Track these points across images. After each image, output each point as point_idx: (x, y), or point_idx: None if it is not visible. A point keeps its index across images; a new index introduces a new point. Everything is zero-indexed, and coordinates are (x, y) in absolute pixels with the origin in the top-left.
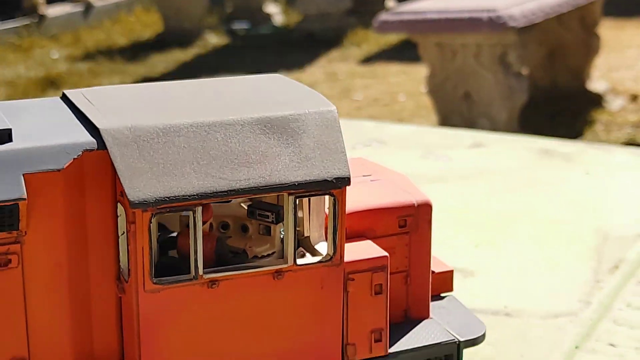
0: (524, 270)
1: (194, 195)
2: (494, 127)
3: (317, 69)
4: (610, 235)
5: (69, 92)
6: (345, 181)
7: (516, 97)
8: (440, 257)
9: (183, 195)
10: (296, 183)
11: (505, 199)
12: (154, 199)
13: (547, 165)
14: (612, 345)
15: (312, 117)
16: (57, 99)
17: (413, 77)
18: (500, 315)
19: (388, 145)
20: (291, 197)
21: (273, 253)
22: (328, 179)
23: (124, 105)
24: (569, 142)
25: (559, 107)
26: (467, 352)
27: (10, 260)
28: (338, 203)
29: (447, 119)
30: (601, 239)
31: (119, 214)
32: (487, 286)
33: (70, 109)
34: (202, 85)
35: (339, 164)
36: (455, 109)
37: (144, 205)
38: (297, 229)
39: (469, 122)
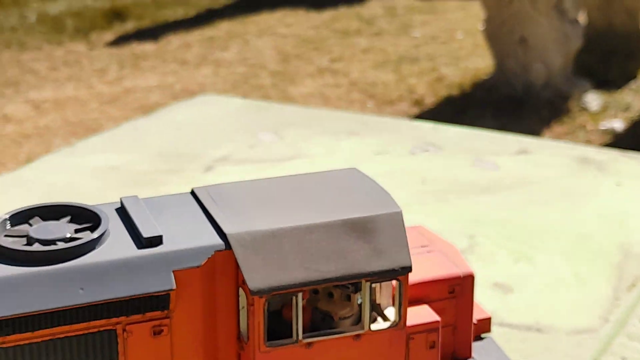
0: (554, 286)
1: (296, 284)
2: (549, 72)
3: (376, 3)
4: (631, 252)
5: (197, 190)
6: (408, 269)
7: (571, 43)
8: (481, 303)
9: (288, 285)
10: (371, 272)
11: (542, 211)
12: (268, 288)
13: (583, 175)
14: (624, 358)
15: (383, 219)
16: (188, 195)
17: (472, 13)
18: (532, 330)
19: (443, 150)
20: (367, 283)
21: (352, 316)
22: (395, 268)
23: (241, 208)
24: (604, 150)
25: (613, 47)
26: None
27: (162, 330)
28: (403, 285)
29: (502, 63)
30: (623, 255)
31: (239, 295)
32: (523, 302)
33: (199, 205)
34: (294, 183)
35: (403, 256)
36: (511, 53)
37: (260, 293)
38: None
39: (524, 67)
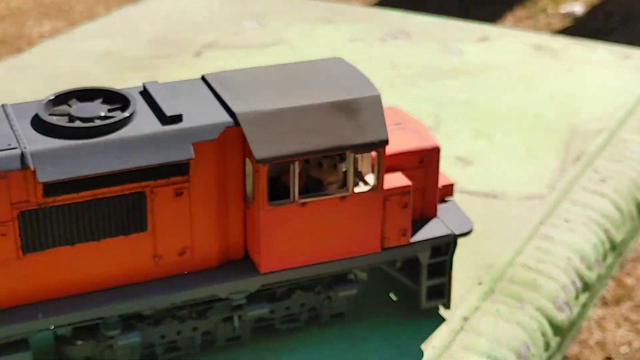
0: (509, 160)
1: (293, 154)
2: None
3: None
4: (577, 129)
5: (207, 76)
6: (385, 142)
7: None
8: (445, 171)
9: (287, 154)
10: (355, 145)
11: (500, 94)
12: (270, 157)
13: (538, 61)
14: (566, 221)
15: (365, 100)
16: (199, 81)
17: None
18: (489, 197)
19: (412, 37)
20: (351, 154)
21: (338, 181)
22: (375, 142)
23: (245, 92)
24: (559, 37)
25: None
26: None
27: (182, 192)
28: (381, 156)
29: None
30: (570, 133)
31: (246, 164)
32: (481, 173)
33: (209, 90)
34: (289, 70)
35: (381, 132)
36: None
37: (264, 161)
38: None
39: None
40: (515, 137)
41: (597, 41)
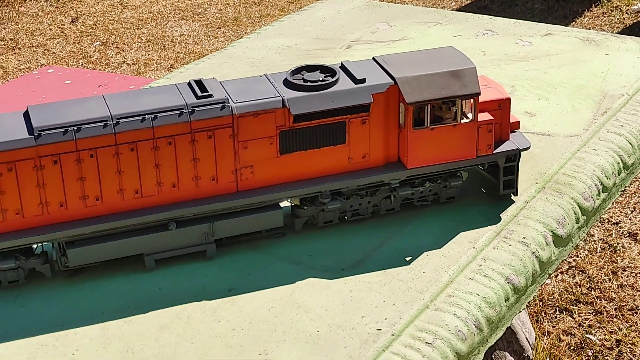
0: (560, 113)
1: (426, 100)
2: None
3: None
4: (607, 94)
5: (376, 57)
6: (478, 94)
7: None
8: (515, 113)
9: (423, 100)
10: (461, 95)
11: (557, 71)
12: (414, 102)
13: (585, 49)
14: (594, 149)
15: (468, 70)
16: (371, 60)
17: None
18: (545, 135)
19: (496, 33)
20: (459, 101)
21: (452, 117)
22: (473, 93)
23: (399, 64)
24: (602, 33)
25: None
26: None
27: (365, 121)
28: (476, 102)
29: None
30: (602, 96)
31: (400, 106)
32: (541, 121)
33: (378, 65)
34: (422, 54)
35: (476, 88)
36: None
37: (410, 104)
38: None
39: None
40: (564, 99)
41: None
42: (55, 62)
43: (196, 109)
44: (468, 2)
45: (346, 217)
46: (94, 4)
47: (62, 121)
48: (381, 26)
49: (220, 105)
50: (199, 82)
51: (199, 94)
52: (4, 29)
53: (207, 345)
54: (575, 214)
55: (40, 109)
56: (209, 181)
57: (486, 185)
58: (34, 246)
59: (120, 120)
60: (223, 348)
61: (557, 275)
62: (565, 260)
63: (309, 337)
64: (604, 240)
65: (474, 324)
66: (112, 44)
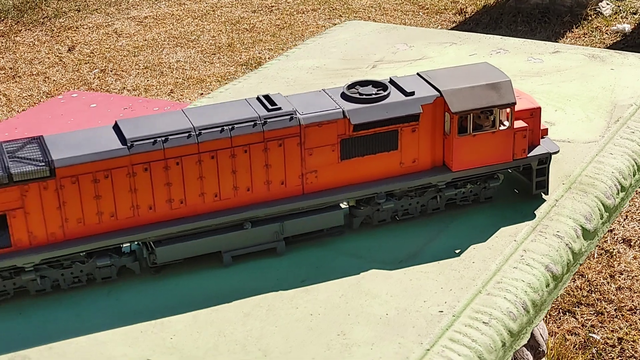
0: (576, 122)
1: (469, 110)
2: None
3: None
4: (617, 104)
5: (421, 73)
6: (514, 104)
7: None
8: (544, 122)
9: (466, 110)
10: (499, 104)
11: (569, 85)
12: (458, 111)
13: (592, 64)
14: (611, 154)
15: (504, 82)
16: (416, 76)
17: None
18: (565, 142)
19: (509, 52)
20: (497, 110)
21: (490, 125)
22: (509, 103)
23: (442, 79)
24: (606, 50)
25: None
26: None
27: (415, 130)
28: (512, 111)
29: None
30: (613, 106)
31: (445, 115)
32: (560, 129)
33: (423, 80)
34: (460, 69)
35: (512, 98)
36: None
37: (456, 113)
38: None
39: None
40: (578, 110)
41: (635, 52)
42: (56, 90)
43: (268, 120)
44: (454, 25)
45: (397, 217)
46: (89, 33)
47: (151, 133)
48: (401, 47)
49: (288, 116)
50: (267, 97)
51: (269, 107)
52: (3, 58)
53: (290, 328)
54: (600, 210)
55: (129, 123)
56: (278, 185)
57: (519, 187)
58: (123, 246)
59: (202, 132)
60: (304, 330)
61: None
62: None
63: (380, 320)
64: (600, 246)
65: (522, 306)
66: (111, 71)
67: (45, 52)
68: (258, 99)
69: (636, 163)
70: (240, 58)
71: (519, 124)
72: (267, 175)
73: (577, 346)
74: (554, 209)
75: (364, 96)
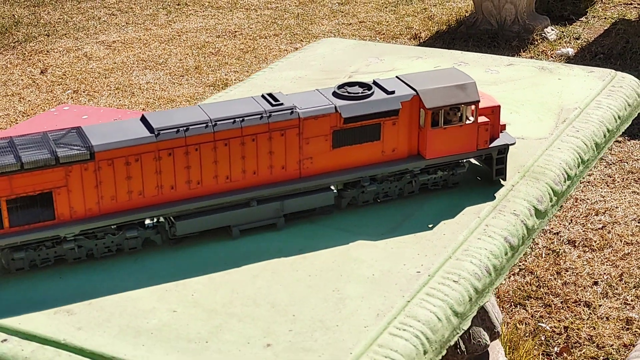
0: (528, 123)
1: (440, 106)
2: (517, 11)
3: None
4: (564, 108)
5: (400, 76)
6: (478, 102)
7: None
8: (503, 117)
9: (438, 106)
10: (465, 102)
11: (521, 92)
12: (431, 107)
13: (542, 75)
14: (559, 148)
15: (470, 84)
16: (395, 79)
17: None
18: (520, 139)
19: (469, 64)
20: (464, 107)
21: (457, 120)
22: (474, 101)
23: (417, 80)
24: (554, 63)
25: None
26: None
27: (395, 123)
28: (476, 107)
29: (480, 4)
30: (560, 109)
31: (420, 111)
32: (515, 128)
33: (400, 81)
34: (430, 74)
35: (476, 97)
36: None
37: (430, 109)
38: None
39: (497, 7)
40: (530, 112)
41: (578, 65)
42: (32, 110)
43: (272, 114)
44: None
45: (378, 199)
46: (59, 57)
47: (174, 123)
48: (373, 60)
49: (289, 111)
50: (271, 95)
51: (273, 103)
52: None
53: (292, 286)
54: (549, 194)
55: (155, 115)
56: (280, 169)
57: (481, 174)
58: (147, 220)
59: (217, 123)
60: (304, 287)
61: (510, 276)
62: (516, 264)
63: (367, 279)
64: (547, 247)
65: (485, 269)
66: (84, 92)
67: (18, 74)
68: (263, 96)
69: (580, 157)
70: (207, 79)
71: (482, 119)
72: (271, 160)
73: (527, 334)
74: (511, 193)
75: (352, 94)
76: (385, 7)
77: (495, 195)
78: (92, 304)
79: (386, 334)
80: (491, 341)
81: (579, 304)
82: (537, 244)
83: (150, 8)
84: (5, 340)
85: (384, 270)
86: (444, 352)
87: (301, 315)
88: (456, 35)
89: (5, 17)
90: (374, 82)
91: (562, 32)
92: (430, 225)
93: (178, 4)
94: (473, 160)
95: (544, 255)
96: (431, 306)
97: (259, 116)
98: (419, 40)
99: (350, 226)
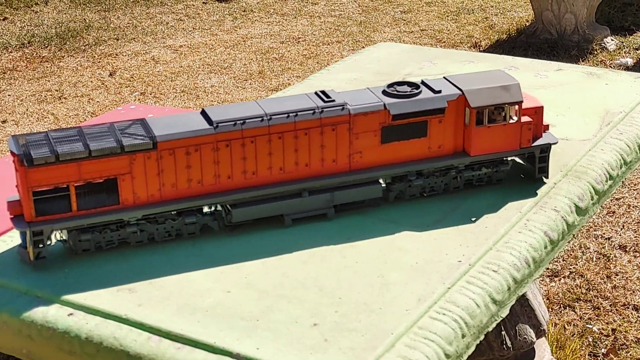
0: (574, 126)
1: (485, 105)
2: (577, 21)
3: None
4: (609, 111)
5: (447, 76)
6: (521, 102)
7: None
8: (550, 125)
9: (482, 106)
10: (509, 102)
11: (570, 95)
12: (476, 107)
13: (589, 80)
14: (602, 150)
15: (514, 85)
16: (443, 79)
17: None
18: (564, 139)
19: (519, 69)
20: (508, 106)
21: (502, 119)
22: (517, 101)
23: (465, 81)
24: (602, 69)
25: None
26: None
27: (441, 121)
28: (520, 107)
29: (541, 14)
30: (605, 112)
31: (465, 109)
32: (561, 129)
33: (448, 82)
34: (477, 74)
35: (519, 97)
36: (548, 6)
37: (475, 108)
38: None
39: (558, 17)
40: (576, 115)
41: (626, 71)
42: (100, 110)
43: (324, 109)
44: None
45: (424, 193)
46: (128, 60)
47: (232, 117)
48: (426, 64)
49: (341, 107)
50: (323, 92)
51: (325, 99)
52: (49, 81)
53: (339, 272)
54: (591, 193)
55: (214, 109)
56: (330, 162)
57: (524, 172)
58: (205, 208)
59: (272, 117)
60: (351, 273)
61: (560, 279)
62: (566, 267)
63: (410, 267)
64: (598, 251)
65: (525, 261)
66: (150, 94)
67: (88, 76)
68: (316, 93)
69: (623, 158)
70: (270, 84)
71: (525, 118)
72: (322, 154)
73: (575, 335)
74: (552, 190)
75: (401, 93)
76: (447, 16)
77: (537, 192)
78: (152, 283)
79: (426, 318)
80: (537, 339)
81: (628, 307)
82: (589, 248)
83: (216, 14)
84: (71, 314)
85: (426, 259)
86: (482, 337)
87: (347, 299)
88: (516, 44)
89: (77, 21)
90: (422, 82)
91: (622, 42)
92: (473, 219)
93: (244, 11)
94: (517, 159)
95: (594, 259)
96: (470, 293)
97: (312, 112)
98: (479, 48)
99: (397, 218)
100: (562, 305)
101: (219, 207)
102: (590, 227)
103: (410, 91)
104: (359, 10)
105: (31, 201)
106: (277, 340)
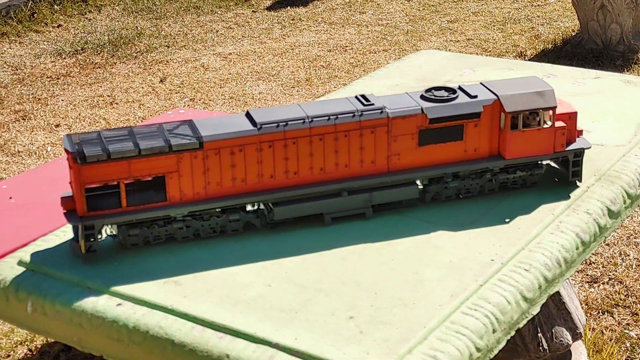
0: (610, 130)
1: (519, 111)
2: (623, 31)
3: None
4: None
5: (483, 82)
6: (555, 107)
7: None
8: (585, 131)
9: (518, 111)
10: (543, 107)
11: (607, 102)
12: (511, 112)
13: (626, 87)
14: (636, 155)
15: (548, 91)
16: (479, 85)
17: None
18: (599, 145)
19: (557, 77)
20: (542, 112)
21: (536, 124)
22: (551, 107)
23: (499, 86)
24: (638, 77)
25: None
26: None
27: (477, 125)
28: (554, 112)
29: (586, 24)
30: None
31: (501, 114)
32: (596, 134)
33: (484, 87)
34: (513, 81)
35: (554, 102)
36: (593, 17)
37: (511, 113)
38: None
39: (603, 27)
40: (612, 121)
41: None
42: (150, 116)
43: (364, 113)
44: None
45: (460, 195)
46: (178, 67)
47: (275, 119)
48: (467, 71)
49: (380, 110)
50: (363, 96)
51: (365, 103)
52: (101, 87)
53: (376, 268)
54: (623, 197)
55: (258, 112)
56: (369, 163)
57: (558, 176)
58: (248, 206)
59: (314, 119)
60: (387, 270)
61: (599, 285)
62: (605, 273)
63: (444, 264)
64: (638, 259)
65: (556, 261)
66: (199, 100)
67: (139, 82)
68: (356, 97)
69: None
70: (317, 91)
71: (559, 124)
72: (361, 155)
73: (612, 340)
74: (585, 193)
75: (438, 97)
76: (494, 26)
77: (570, 195)
78: (197, 276)
79: (458, 313)
80: (573, 342)
81: None
82: (628, 255)
83: (265, 22)
84: (120, 304)
85: (460, 257)
86: (513, 333)
87: (382, 293)
88: (561, 54)
89: (129, 28)
90: (459, 87)
91: None
92: (507, 220)
93: (292, 19)
94: (551, 163)
95: (634, 266)
96: (502, 290)
97: (352, 115)
98: (524, 57)
99: (433, 218)
100: (600, 310)
101: (262, 206)
102: (631, 235)
103: (447, 96)
104: (406, 20)
105: (83, 197)
106: (314, 331)
